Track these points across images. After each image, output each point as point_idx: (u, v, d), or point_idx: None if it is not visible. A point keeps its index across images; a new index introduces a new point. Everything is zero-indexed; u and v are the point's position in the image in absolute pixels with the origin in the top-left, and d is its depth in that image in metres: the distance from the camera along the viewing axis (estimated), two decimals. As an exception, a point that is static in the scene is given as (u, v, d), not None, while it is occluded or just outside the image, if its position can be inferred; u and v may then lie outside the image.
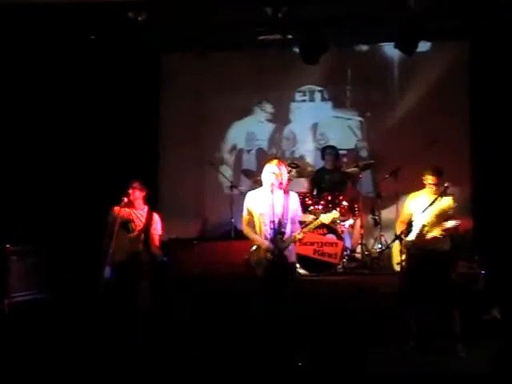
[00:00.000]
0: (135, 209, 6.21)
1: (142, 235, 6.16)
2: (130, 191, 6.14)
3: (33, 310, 7.22)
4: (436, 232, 6.13)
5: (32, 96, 8.81)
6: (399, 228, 6.28)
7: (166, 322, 6.74)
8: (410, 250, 6.11)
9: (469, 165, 8.92)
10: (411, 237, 6.17)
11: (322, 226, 7.61)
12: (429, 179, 6.20)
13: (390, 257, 7.90)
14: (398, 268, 6.19)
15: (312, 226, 5.81)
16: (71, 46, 8.74)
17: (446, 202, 6.19)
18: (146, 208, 6.25)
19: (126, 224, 6.15)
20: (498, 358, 5.51)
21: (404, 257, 6.06)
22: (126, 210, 6.14)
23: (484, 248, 7.95)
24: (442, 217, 6.15)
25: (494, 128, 8.72)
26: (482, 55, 8.84)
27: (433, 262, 6.11)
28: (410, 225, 6.14)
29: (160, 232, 6.31)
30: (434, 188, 6.17)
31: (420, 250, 6.13)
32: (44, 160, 8.93)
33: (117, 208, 6.13)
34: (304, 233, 5.70)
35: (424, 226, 6.15)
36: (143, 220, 6.17)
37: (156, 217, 6.30)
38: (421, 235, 6.15)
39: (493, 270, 7.19)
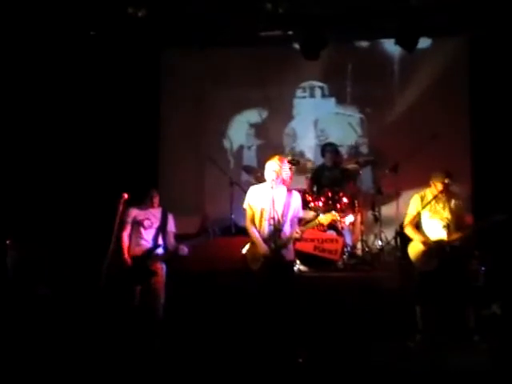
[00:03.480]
0: (151, 208, 6.52)
1: (159, 232, 6.44)
2: (154, 199, 6.51)
3: (32, 307, 7.21)
4: (457, 234, 6.15)
5: (32, 92, 8.81)
6: (409, 232, 6.26)
7: (166, 319, 6.75)
8: (432, 249, 6.11)
9: (469, 161, 8.91)
10: (434, 236, 6.15)
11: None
12: (438, 186, 6.17)
13: (389, 253, 7.95)
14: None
15: (310, 225, 5.87)
16: (71, 42, 8.73)
17: (454, 202, 6.21)
18: (160, 208, 6.56)
19: (142, 222, 6.44)
20: (498, 353, 5.54)
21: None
22: (143, 208, 6.49)
23: (484, 244, 7.94)
24: (458, 216, 6.17)
25: (494, 124, 8.71)
26: (482, 51, 8.82)
27: (449, 260, 6.10)
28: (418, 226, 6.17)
29: (174, 230, 6.60)
30: (443, 193, 6.16)
31: (440, 250, 6.12)
32: (44, 156, 8.92)
33: (134, 208, 6.48)
34: (302, 231, 5.74)
35: (445, 226, 6.14)
36: (159, 218, 6.48)
37: (170, 216, 6.57)
38: (447, 236, 6.14)
39: (493, 265, 7.19)
